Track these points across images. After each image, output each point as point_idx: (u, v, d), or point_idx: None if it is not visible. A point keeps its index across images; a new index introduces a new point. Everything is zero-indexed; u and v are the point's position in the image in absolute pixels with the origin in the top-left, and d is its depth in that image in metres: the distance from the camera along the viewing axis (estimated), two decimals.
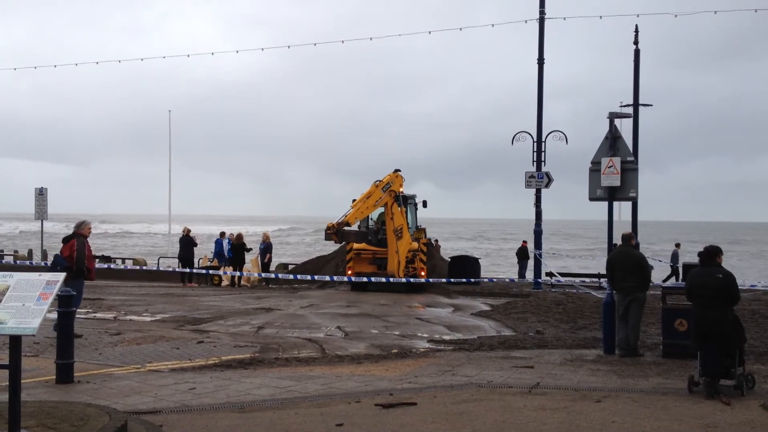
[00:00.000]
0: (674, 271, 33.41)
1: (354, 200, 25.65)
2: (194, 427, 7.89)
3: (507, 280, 31.33)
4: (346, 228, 24.60)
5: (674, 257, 33.96)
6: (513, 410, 8.48)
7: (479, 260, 30.64)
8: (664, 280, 31.33)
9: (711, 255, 9.71)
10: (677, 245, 35.56)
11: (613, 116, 13.60)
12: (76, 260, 13.76)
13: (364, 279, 25.16)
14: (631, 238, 13.31)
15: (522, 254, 36.68)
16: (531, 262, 32.60)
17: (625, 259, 12.94)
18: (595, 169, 13.53)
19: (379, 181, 25.57)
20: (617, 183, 13.22)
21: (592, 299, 22.55)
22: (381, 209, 26.12)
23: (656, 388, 9.93)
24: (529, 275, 33.36)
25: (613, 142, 13.48)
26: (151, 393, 9.78)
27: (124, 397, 9.47)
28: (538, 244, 27.40)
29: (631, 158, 13.39)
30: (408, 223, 26.49)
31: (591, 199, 13.84)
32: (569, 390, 9.74)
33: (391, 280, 24.84)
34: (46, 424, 7.18)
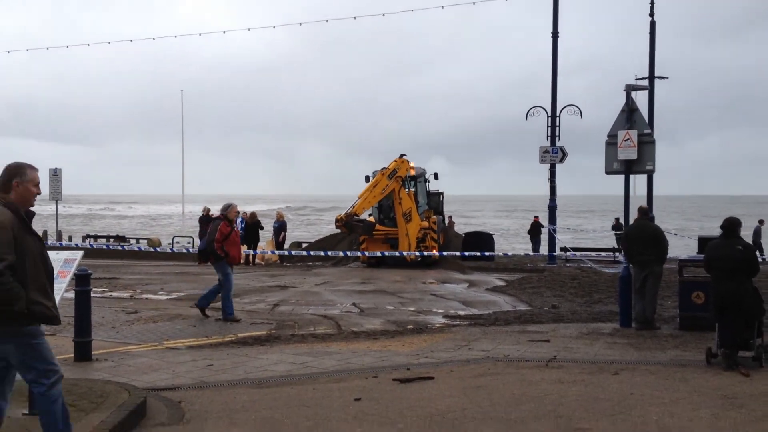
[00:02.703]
0: (758, 247, 32.35)
1: (372, 183, 25.64)
2: (213, 402, 7.92)
3: (522, 254, 31.18)
4: (354, 220, 24.77)
5: (757, 234, 32.74)
6: (530, 383, 8.47)
7: (493, 236, 30.57)
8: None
9: (732, 227, 9.61)
10: (761, 222, 33.99)
11: (629, 89, 13.49)
12: (207, 242, 13.92)
13: (378, 253, 25.27)
14: (647, 212, 13.23)
15: (534, 230, 36.58)
16: (544, 237, 32.59)
17: (642, 233, 12.86)
18: (611, 142, 13.42)
19: (385, 168, 25.64)
20: (634, 156, 13.11)
21: (607, 274, 22.47)
22: None
23: (674, 360, 9.90)
24: (543, 251, 33.39)
25: (629, 114, 13.35)
26: (169, 370, 9.83)
27: (142, 374, 9.52)
28: (552, 220, 27.31)
29: (648, 131, 13.27)
30: (418, 202, 26.63)
31: (607, 172, 13.74)
32: (586, 363, 9.72)
33: (406, 254, 24.94)
34: (66, 401, 7.20)
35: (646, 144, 13.27)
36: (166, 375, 9.51)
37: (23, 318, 5.20)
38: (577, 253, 28.80)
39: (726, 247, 9.46)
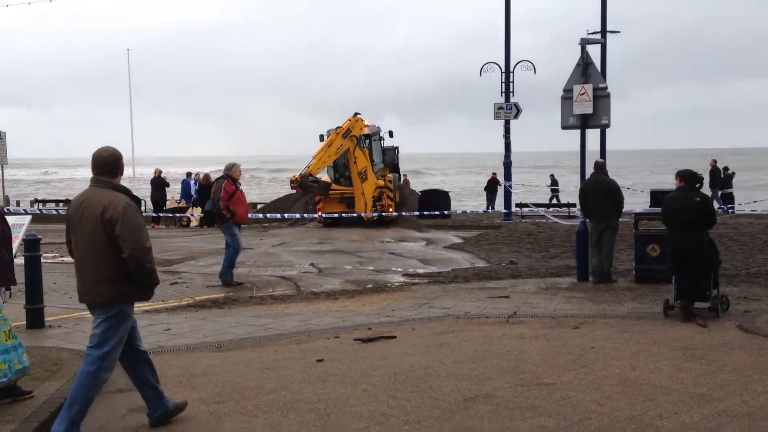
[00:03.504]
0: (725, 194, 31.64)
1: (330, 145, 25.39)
2: (171, 367, 7.78)
3: (481, 211, 31.24)
4: (309, 180, 24.56)
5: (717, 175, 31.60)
6: (492, 340, 8.48)
7: (449, 194, 30.60)
8: None
9: (691, 179, 9.65)
10: (713, 161, 32.82)
11: (584, 42, 13.39)
12: (213, 203, 13.45)
13: (335, 214, 25.16)
14: (603, 166, 13.27)
15: (491, 187, 36.72)
16: (501, 194, 32.72)
17: (598, 187, 12.92)
18: (567, 96, 13.35)
19: (339, 127, 25.41)
20: (590, 110, 13.06)
21: (563, 228, 22.66)
22: None
23: (631, 312, 10.00)
24: (499, 207, 33.60)
25: (584, 68, 13.27)
26: None
27: None
28: (508, 176, 27.38)
29: (603, 85, 13.19)
30: (373, 160, 26.51)
31: (563, 127, 13.69)
32: (546, 318, 9.77)
33: (363, 215, 24.84)
34: None
35: (602, 98, 13.21)
36: None
37: None
38: (537, 209, 28.99)
39: (683, 198, 9.50)
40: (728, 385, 6.49)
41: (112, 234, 5.36)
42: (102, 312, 5.51)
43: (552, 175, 39.45)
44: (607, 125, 13.34)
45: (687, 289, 9.41)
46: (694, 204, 9.39)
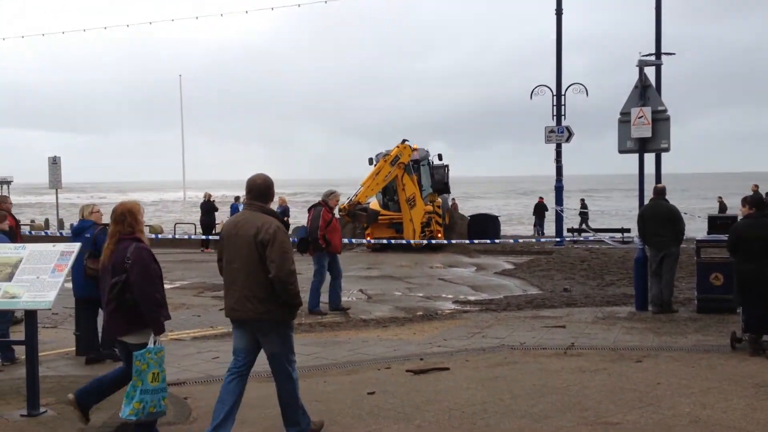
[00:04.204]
0: None
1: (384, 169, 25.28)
2: None
3: (533, 238, 30.55)
4: (358, 209, 24.48)
5: None
6: (551, 373, 8.12)
7: (498, 218, 30.20)
8: None
9: (760, 204, 9.20)
10: None
11: (642, 64, 13.01)
12: (309, 231, 13.13)
13: (384, 240, 24.99)
14: (663, 191, 12.83)
15: (539, 211, 36.23)
16: (550, 218, 32.18)
17: (658, 213, 12.48)
18: (624, 120, 12.97)
19: (388, 154, 25.34)
20: (648, 134, 12.66)
21: (617, 254, 22.14)
22: None
23: (696, 345, 9.54)
24: (548, 232, 33.06)
25: (643, 90, 12.89)
26: (174, 363, 9.49)
27: None
28: (559, 200, 26.93)
29: (663, 107, 12.77)
30: (422, 185, 26.43)
31: (620, 151, 13.30)
32: (606, 350, 9.37)
33: (412, 242, 24.63)
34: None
35: (661, 121, 12.80)
36: (172, 369, 9.14)
37: None
38: (590, 236, 28.39)
39: (756, 226, 9.04)
40: None
41: (263, 254, 5.74)
42: (263, 330, 5.97)
43: (582, 200, 38.51)
44: (667, 149, 12.91)
45: (755, 321, 8.94)
46: (765, 232, 8.93)
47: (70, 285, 10.23)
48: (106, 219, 7.85)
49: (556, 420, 6.38)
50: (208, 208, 28.95)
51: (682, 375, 7.84)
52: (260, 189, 6.00)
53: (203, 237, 28.17)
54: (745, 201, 9.36)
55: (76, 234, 9.62)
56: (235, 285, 5.88)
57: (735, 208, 34.65)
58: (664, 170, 19.76)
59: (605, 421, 6.32)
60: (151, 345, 5.92)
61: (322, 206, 13.14)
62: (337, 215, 13.70)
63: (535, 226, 36.85)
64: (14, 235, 10.96)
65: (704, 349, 9.23)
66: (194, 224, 34.89)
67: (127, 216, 6.03)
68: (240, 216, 6.05)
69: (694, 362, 8.46)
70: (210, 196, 29.69)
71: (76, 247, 7.12)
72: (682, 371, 8.03)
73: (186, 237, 29.79)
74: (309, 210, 13.55)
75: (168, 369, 9.09)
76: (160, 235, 31.97)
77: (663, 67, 22.18)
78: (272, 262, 5.69)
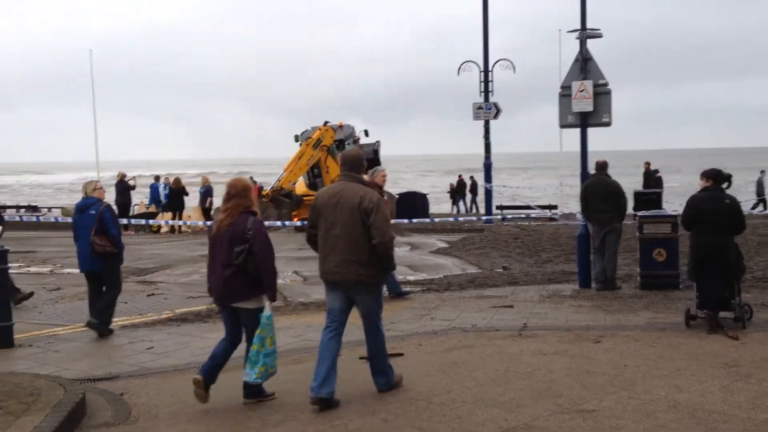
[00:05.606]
0: (762, 200, 31.61)
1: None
2: (160, 394, 6.98)
3: (475, 217, 30.00)
4: (282, 194, 23.93)
5: (759, 185, 32.01)
6: (511, 356, 7.78)
7: (427, 195, 29.90)
8: (753, 207, 29.49)
9: (718, 178, 9.01)
10: (762, 172, 32.68)
11: (584, 36, 12.77)
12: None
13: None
14: (605, 166, 12.65)
15: (459, 190, 36.15)
16: (480, 197, 32.12)
17: (600, 188, 12.29)
18: (565, 93, 12.70)
19: (310, 137, 24.87)
20: (590, 108, 12.43)
21: (548, 231, 22.12)
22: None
23: (650, 324, 9.35)
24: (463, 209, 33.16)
25: (584, 64, 12.64)
26: (105, 355, 8.83)
27: (74, 362, 8.48)
28: (488, 178, 26.79)
29: (604, 81, 12.54)
30: None
31: (562, 126, 13.06)
32: (560, 330, 9.10)
33: None
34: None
35: (602, 95, 12.59)
36: (102, 361, 8.49)
37: None
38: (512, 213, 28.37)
39: (714, 200, 8.85)
40: None
41: (366, 221, 6.21)
42: (360, 291, 6.43)
43: (472, 177, 38.18)
44: (609, 123, 12.69)
45: (712, 298, 8.79)
46: (723, 206, 8.76)
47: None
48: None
49: (529, 409, 6.01)
50: (123, 187, 27.68)
51: (647, 356, 7.60)
52: (353, 162, 6.57)
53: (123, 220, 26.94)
54: (704, 174, 9.16)
55: (81, 210, 9.83)
56: (336, 250, 6.31)
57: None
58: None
59: (581, 408, 5.98)
60: (268, 311, 6.31)
61: (378, 186, 12.36)
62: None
63: (455, 203, 36.77)
64: None
65: (659, 327, 9.05)
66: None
67: (248, 191, 6.51)
68: (337, 186, 6.49)
69: (653, 341, 8.25)
70: (123, 175, 28.40)
71: None
72: (645, 351, 7.79)
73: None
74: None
75: (98, 361, 8.47)
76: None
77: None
78: (377, 229, 6.19)
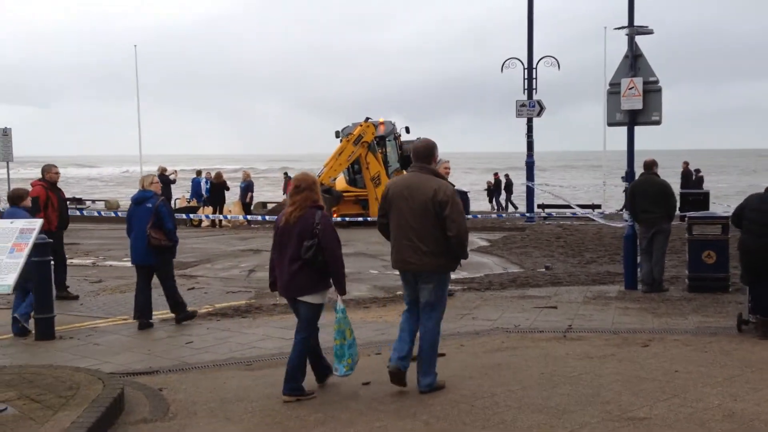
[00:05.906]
0: None
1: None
2: (199, 390, 6.89)
3: (518, 214, 29.58)
4: (322, 190, 23.78)
5: None
6: (556, 360, 7.56)
7: (468, 193, 29.60)
8: None
9: None
10: None
11: (633, 32, 12.46)
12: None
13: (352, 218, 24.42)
14: (653, 165, 12.32)
15: (496, 187, 35.77)
16: (521, 195, 31.69)
17: (649, 188, 11.97)
18: (613, 91, 12.40)
19: (350, 134, 24.80)
20: (639, 106, 12.11)
21: (591, 230, 21.74)
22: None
23: (700, 328, 9.05)
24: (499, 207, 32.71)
25: (633, 61, 12.31)
26: (144, 348, 8.78)
27: (114, 355, 8.45)
28: (530, 176, 26.42)
29: (654, 78, 12.22)
30: (388, 162, 26.11)
31: (610, 124, 12.77)
32: (607, 333, 8.84)
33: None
34: (29, 396, 6.15)
35: (652, 93, 12.25)
36: (141, 355, 8.45)
37: None
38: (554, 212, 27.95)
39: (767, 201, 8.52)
40: None
41: (441, 214, 6.22)
42: (427, 280, 6.44)
43: (507, 175, 37.64)
44: (659, 122, 12.36)
45: (764, 302, 8.47)
46: None
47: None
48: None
49: (577, 415, 5.79)
50: (163, 181, 27.86)
51: (698, 361, 7.33)
52: (424, 153, 6.53)
53: None
54: None
55: (137, 203, 9.98)
56: (408, 240, 6.35)
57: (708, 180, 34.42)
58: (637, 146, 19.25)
59: (631, 415, 5.75)
60: (340, 305, 6.45)
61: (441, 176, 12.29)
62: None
63: (492, 201, 36.40)
64: None
65: (710, 332, 8.74)
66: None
67: (316, 186, 6.61)
68: (410, 177, 6.53)
69: (704, 346, 7.96)
70: (164, 169, 28.62)
71: (37, 224, 6.33)
72: (696, 357, 7.52)
73: None
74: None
75: (137, 355, 8.42)
76: (118, 211, 30.82)
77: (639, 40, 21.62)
78: (453, 222, 6.21)
